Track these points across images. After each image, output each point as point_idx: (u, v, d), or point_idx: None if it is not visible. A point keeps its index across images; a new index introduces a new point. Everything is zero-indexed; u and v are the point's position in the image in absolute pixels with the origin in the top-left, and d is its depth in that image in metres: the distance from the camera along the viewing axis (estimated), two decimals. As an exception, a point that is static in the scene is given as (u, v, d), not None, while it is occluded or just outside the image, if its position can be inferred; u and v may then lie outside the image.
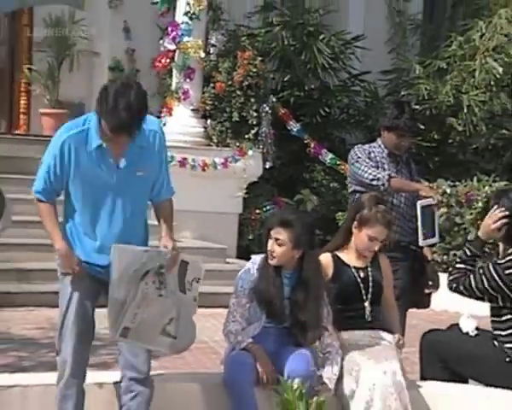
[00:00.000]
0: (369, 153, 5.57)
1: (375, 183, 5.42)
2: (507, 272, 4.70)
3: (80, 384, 4.08)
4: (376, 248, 4.75)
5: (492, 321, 4.87)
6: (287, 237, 4.42)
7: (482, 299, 4.81)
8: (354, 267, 4.78)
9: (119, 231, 4.10)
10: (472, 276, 4.76)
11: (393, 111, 5.62)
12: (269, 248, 4.48)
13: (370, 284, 4.76)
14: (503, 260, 4.76)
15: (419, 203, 5.30)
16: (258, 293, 4.47)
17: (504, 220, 4.79)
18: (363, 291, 4.76)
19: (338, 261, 4.79)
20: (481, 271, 4.75)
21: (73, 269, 4.07)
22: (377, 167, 5.51)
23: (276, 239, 4.44)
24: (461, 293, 4.83)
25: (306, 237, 4.47)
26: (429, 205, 5.34)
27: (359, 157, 5.55)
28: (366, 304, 4.74)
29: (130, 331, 4.04)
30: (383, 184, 5.40)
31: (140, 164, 4.07)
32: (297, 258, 4.49)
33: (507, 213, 4.81)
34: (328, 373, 4.45)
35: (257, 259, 4.58)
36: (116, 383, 4.23)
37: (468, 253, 4.86)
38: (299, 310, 4.46)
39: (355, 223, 4.76)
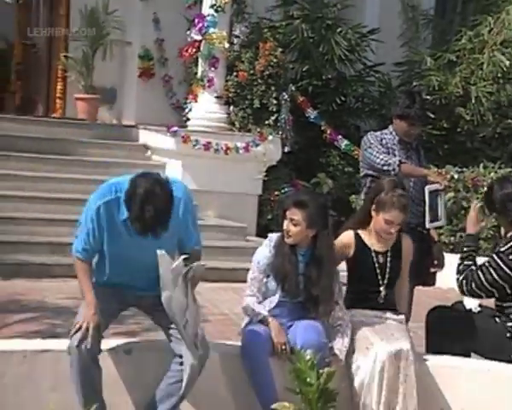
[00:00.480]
0: (381, 139, 5.55)
1: (386, 168, 5.40)
2: (511, 257, 4.67)
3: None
4: (393, 231, 4.68)
5: (496, 305, 4.84)
6: (301, 218, 4.41)
7: (493, 294, 4.76)
8: (374, 251, 4.72)
9: (144, 285, 4.21)
10: (480, 272, 4.70)
11: (405, 101, 5.58)
12: (284, 227, 4.47)
13: (387, 269, 4.72)
14: (504, 248, 4.72)
15: (427, 188, 5.28)
16: (274, 269, 4.46)
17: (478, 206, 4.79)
18: (380, 277, 4.72)
19: (359, 242, 4.73)
20: (487, 264, 4.71)
21: (88, 321, 4.05)
22: (388, 153, 5.49)
23: (292, 219, 4.43)
24: (474, 293, 4.76)
25: (320, 218, 4.45)
26: (437, 190, 5.31)
27: (372, 143, 5.53)
28: (381, 288, 4.71)
29: (188, 325, 4.05)
30: (394, 169, 5.37)
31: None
32: (311, 237, 4.48)
33: (480, 204, 4.79)
34: (339, 345, 4.45)
35: (273, 237, 4.57)
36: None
37: (466, 249, 4.83)
38: (313, 285, 4.46)
39: (373, 206, 4.69)
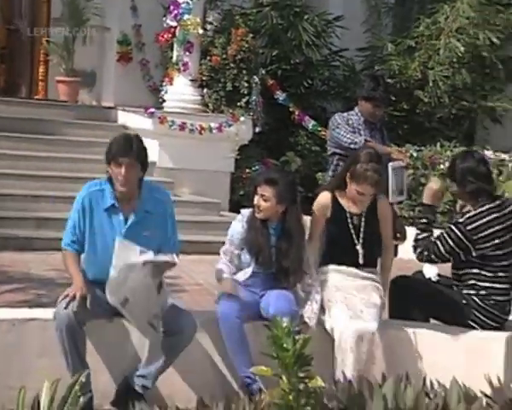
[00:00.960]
0: (348, 120, 5.56)
1: (352, 146, 5.41)
2: (468, 227, 4.69)
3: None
4: (364, 200, 4.64)
5: (454, 273, 4.88)
6: (271, 194, 4.40)
7: (449, 260, 4.79)
8: (349, 213, 4.68)
9: None
10: (438, 242, 4.72)
11: (370, 84, 5.59)
12: (255, 202, 4.46)
13: (362, 229, 4.69)
14: (462, 219, 4.74)
15: (390, 165, 5.29)
16: (248, 243, 4.46)
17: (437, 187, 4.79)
18: (355, 236, 4.70)
19: (336, 204, 4.69)
20: (446, 234, 4.73)
21: (75, 290, 4.05)
22: (354, 133, 5.50)
23: (262, 195, 4.42)
24: (431, 261, 4.79)
25: (289, 194, 4.45)
26: (399, 167, 5.33)
27: (339, 123, 5.54)
28: (358, 247, 4.67)
29: (129, 304, 4.01)
30: (360, 147, 5.38)
31: (146, 226, 4.15)
32: (280, 212, 4.47)
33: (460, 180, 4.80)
34: (308, 312, 4.45)
35: (245, 212, 4.56)
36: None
37: (425, 220, 4.84)
38: (283, 257, 4.46)
39: (348, 174, 4.65)
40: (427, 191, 4.87)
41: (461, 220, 4.73)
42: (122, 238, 4.09)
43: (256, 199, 4.45)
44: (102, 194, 4.21)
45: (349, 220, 4.67)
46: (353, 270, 4.65)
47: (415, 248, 4.79)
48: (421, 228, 4.83)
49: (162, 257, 4.08)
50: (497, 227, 4.70)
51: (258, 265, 4.47)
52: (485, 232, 4.68)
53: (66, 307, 3.98)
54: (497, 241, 4.69)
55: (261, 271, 4.50)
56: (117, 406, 4.15)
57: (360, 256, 4.67)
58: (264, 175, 4.57)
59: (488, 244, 4.68)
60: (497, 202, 4.77)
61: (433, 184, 4.92)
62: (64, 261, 4.26)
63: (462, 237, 4.67)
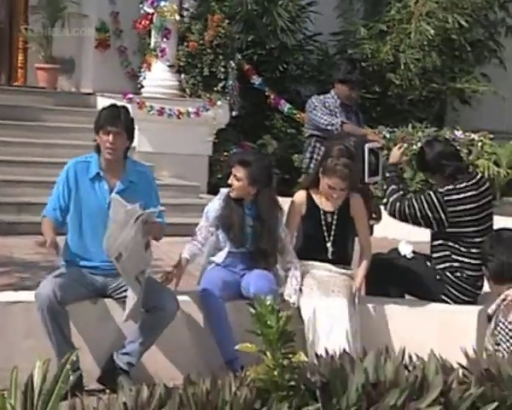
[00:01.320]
0: (324, 102, 5.56)
1: (329, 127, 5.41)
2: (445, 198, 4.73)
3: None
4: (335, 196, 4.67)
5: (431, 245, 4.91)
6: (243, 175, 4.40)
7: (420, 224, 4.82)
8: (323, 211, 4.69)
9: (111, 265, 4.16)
10: (415, 202, 4.75)
11: (346, 67, 5.59)
12: (229, 181, 4.47)
13: (333, 226, 4.69)
14: (442, 189, 4.78)
15: (366, 146, 5.30)
16: (221, 219, 4.45)
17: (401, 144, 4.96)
18: (326, 234, 4.70)
19: (310, 201, 4.71)
20: (423, 197, 4.76)
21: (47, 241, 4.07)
22: (331, 115, 5.50)
23: (235, 175, 4.43)
24: (403, 217, 4.80)
25: (262, 177, 4.43)
26: (375, 148, 5.34)
27: (316, 105, 5.54)
28: (328, 245, 4.69)
29: (122, 258, 4.01)
30: (337, 129, 5.39)
31: (130, 195, 4.15)
32: (253, 193, 4.46)
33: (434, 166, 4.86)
34: (289, 289, 4.46)
35: (224, 191, 4.56)
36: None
37: (388, 175, 4.95)
38: (258, 239, 4.46)
39: (320, 169, 4.67)
40: (391, 153, 5.08)
41: (440, 190, 4.77)
42: (107, 207, 4.12)
43: (231, 179, 4.46)
44: (88, 165, 4.29)
45: (322, 217, 4.68)
46: (327, 265, 4.67)
47: (386, 202, 4.85)
48: (387, 182, 4.92)
49: (150, 210, 4.11)
50: (472, 205, 4.73)
51: (231, 242, 4.47)
52: (461, 207, 4.72)
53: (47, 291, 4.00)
54: (471, 218, 4.73)
55: (237, 250, 4.49)
56: (103, 383, 4.15)
57: (329, 253, 4.68)
58: (239, 156, 4.59)
59: (461, 219, 4.72)
60: (474, 181, 4.81)
61: (396, 148, 5.10)
62: (42, 228, 4.24)
63: (437, 205, 4.71)
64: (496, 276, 4.17)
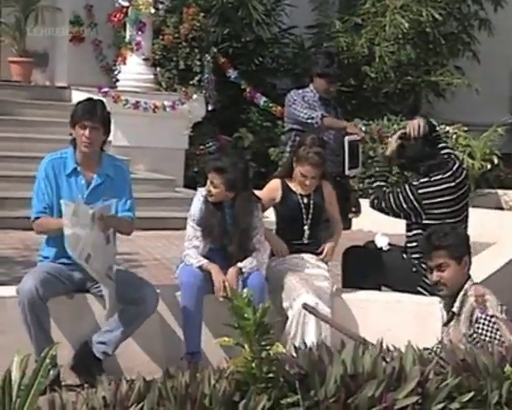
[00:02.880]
0: (303, 96, 5.57)
1: (310, 121, 5.43)
2: (420, 191, 4.79)
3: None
4: (308, 183, 4.73)
5: (406, 236, 4.96)
6: (220, 181, 4.39)
7: (399, 216, 4.87)
8: (300, 194, 4.78)
9: None
10: (391, 195, 4.83)
11: (324, 61, 5.61)
12: (206, 188, 4.46)
13: (311, 208, 4.77)
14: (416, 182, 4.84)
15: (346, 138, 5.32)
16: (201, 223, 4.45)
17: (400, 133, 4.89)
18: (304, 216, 4.77)
19: (286, 187, 4.80)
20: (398, 190, 4.83)
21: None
22: (310, 109, 5.51)
23: (212, 182, 4.42)
24: (382, 210, 4.90)
25: (239, 182, 4.43)
26: (355, 140, 5.36)
27: (295, 99, 5.55)
28: (305, 227, 4.76)
29: (91, 259, 4.02)
30: (317, 122, 5.41)
31: (106, 190, 4.21)
32: (232, 197, 4.47)
33: (404, 130, 4.90)
34: (246, 261, 4.47)
35: (202, 191, 4.55)
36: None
37: (378, 168, 4.95)
38: (237, 234, 4.47)
39: (294, 158, 4.75)
40: (389, 144, 5.02)
41: (415, 183, 4.84)
42: (81, 200, 4.14)
43: (208, 185, 4.45)
44: (64, 161, 4.27)
45: (300, 201, 4.76)
46: (304, 256, 4.72)
47: (370, 194, 4.93)
48: (375, 176, 4.94)
49: (101, 205, 4.13)
50: (447, 197, 4.78)
51: (213, 244, 4.50)
52: (435, 200, 4.76)
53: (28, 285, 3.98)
54: (446, 210, 4.77)
55: (217, 247, 4.52)
56: (75, 370, 4.12)
57: (306, 235, 4.75)
58: (214, 163, 4.50)
59: (437, 211, 4.76)
60: (450, 172, 4.85)
61: (394, 140, 5.01)
62: (42, 228, 4.24)
63: (412, 198, 4.77)
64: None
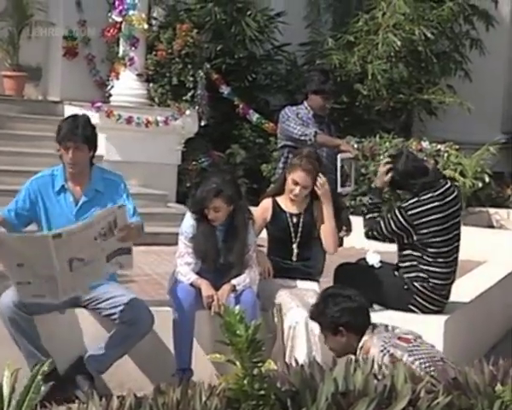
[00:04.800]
0: (297, 113, 5.60)
1: (303, 138, 5.45)
2: (409, 213, 4.79)
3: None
4: (298, 192, 4.72)
5: (398, 255, 4.96)
6: (221, 203, 4.38)
7: (393, 241, 4.88)
8: (289, 213, 4.79)
9: None
10: (382, 222, 4.82)
11: (320, 77, 5.64)
12: (210, 217, 4.39)
13: (300, 228, 4.77)
14: (405, 204, 4.85)
15: (339, 156, 5.34)
16: (194, 246, 4.45)
17: (388, 166, 4.87)
18: (293, 234, 4.77)
19: (276, 207, 4.81)
20: (389, 215, 4.83)
21: None
22: (304, 126, 5.54)
23: (215, 208, 4.39)
24: (376, 239, 4.89)
25: (234, 193, 4.45)
26: (348, 158, 5.38)
27: (289, 116, 5.58)
28: (294, 246, 4.78)
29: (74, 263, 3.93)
30: (310, 139, 5.43)
31: (96, 204, 4.18)
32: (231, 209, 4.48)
33: (389, 160, 4.90)
34: (240, 278, 4.47)
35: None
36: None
37: (370, 201, 4.93)
38: (228, 252, 4.47)
39: (287, 169, 4.79)
40: (378, 175, 5.00)
41: (403, 205, 4.84)
42: (74, 219, 4.12)
43: (210, 214, 4.40)
44: (53, 178, 4.28)
45: (289, 220, 4.77)
46: (293, 282, 4.74)
47: (364, 226, 4.92)
48: (369, 209, 4.92)
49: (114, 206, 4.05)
50: (437, 215, 4.79)
51: (205, 265, 4.50)
52: (426, 219, 4.77)
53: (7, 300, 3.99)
54: (436, 228, 4.79)
55: (210, 267, 4.52)
56: (65, 383, 4.10)
57: (294, 255, 4.77)
58: (210, 190, 4.40)
59: (427, 230, 4.78)
60: (440, 191, 4.86)
61: (382, 166, 5.00)
62: None
63: (402, 220, 4.77)
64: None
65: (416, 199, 4.81)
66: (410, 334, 3.91)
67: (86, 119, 4.31)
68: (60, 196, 4.25)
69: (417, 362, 3.55)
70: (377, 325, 3.92)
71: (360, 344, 3.78)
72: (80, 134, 4.17)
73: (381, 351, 3.67)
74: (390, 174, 4.88)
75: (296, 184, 4.70)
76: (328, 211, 4.81)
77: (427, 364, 3.58)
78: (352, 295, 3.93)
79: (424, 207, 4.78)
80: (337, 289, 4.11)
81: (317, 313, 3.91)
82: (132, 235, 4.04)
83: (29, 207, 4.24)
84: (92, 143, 4.25)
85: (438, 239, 4.79)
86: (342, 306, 3.86)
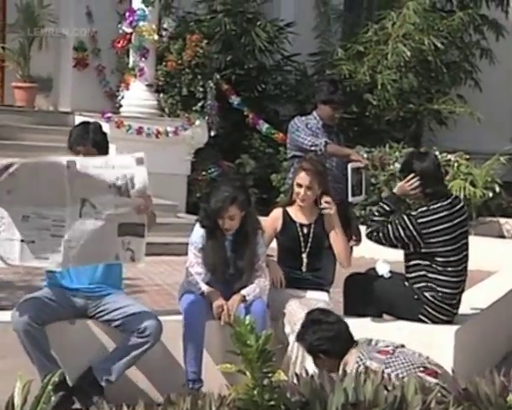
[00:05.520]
0: (307, 123, 5.60)
1: (313, 148, 5.46)
2: (419, 221, 4.78)
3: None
4: (302, 192, 4.73)
5: (406, 266, 4.95)
6: (235, 210, 4.39)
7: (396, 246, 4.86)
8: (300, 224, 4.80)
9: (91, 271, 4.18)
10: (390, 226, 4.81)
11: (329, 87, 5.65)
12: (226, 226, 4.39)
13: (310, 239, 4.78)
14: (415, 212, 4.83)
15: (349, 165, 5.34)
16: (203, 258, 4.45)
17: (417, 184, 4.85)
18: (303, 244, 4.78)
19: (286, 217, 4.82)
20: (397, 221, 4.81)
21: None
22: (313, 136, 5.54)
23: (230, 217, 4.40)
24: (379, 241, 4.87)
25: (245, 199, 4.46)
26: (358, 167, 5.38)
27: (299, 126, 5.58)
28: (304, 256, 4.78)
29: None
30: (320, 149, 5.44)
31: None
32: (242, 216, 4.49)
33: (418, 180, 4.85)
34: (250, 288, 4.48)
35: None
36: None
37: (387, 208, 4.91)
38: (239, 258, 4.47)
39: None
40: (400, 184, 4.96)
41: (413, 213, 4.82)
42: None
43: (226, 223, 4.40)
44: None
45: (299, 230, 4.79)
46: (303, 292, 4.75)
47: (368, 226, 4.87)
48: (380, 211, 4.90)
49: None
50: (446, 224, 4.78)
51: (214, 277, 4.51)
52: (435, 228, 4.76)
53: (21, 312, 3.99)
54: (445, 237, 4.78)
55: (219, 278, 4.53)
56: (76, 395, 4.11)
57: (304, 264, 4.78)
58: (225, 200, 4.38)
59: (436, 239, 4.76)
60: (449, 200, 4.86)
61: (408, 181, 4.92)
62: None
63: (411, 228, 4.76)
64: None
65: (425, 208, 4.80)
66: (391, 345, 4.03)
67: (97, 125, 4.34)
68: None
69: (393, 374, 3.61)
70: (360, 341, 4.08)
71: (343, 361, 3.93)
72: (90, 139, 4.20)
73: (357, 362, 3.81)
74: (416, 190, 4.85)
75: (300, 186, 4.74)
76: (337, 227, 4.83)
77: (404, 373, 3.69)
78: (333, 321, 4.06)
79: (434, 217, 4.77)
80: (319, 314, 4.20)
81: (299, 337, 4.09)
82: (148, 207, 3.91)
83: None
84: (103, 149, 4.25)
85: (447, 249, 4.78)
86: (319, 335, 4.01)
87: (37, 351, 3.99)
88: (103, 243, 3.80)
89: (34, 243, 3.71)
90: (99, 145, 4.22)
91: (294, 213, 4.84)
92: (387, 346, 4.00)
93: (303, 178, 4.74)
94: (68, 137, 4.31)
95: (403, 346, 4.07)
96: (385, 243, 4.85)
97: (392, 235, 4.78)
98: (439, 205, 4.80)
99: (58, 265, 3.78)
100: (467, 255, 4.89)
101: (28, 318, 3.96)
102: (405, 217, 4.80)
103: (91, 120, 9.58)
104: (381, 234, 4.82)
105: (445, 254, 4.78)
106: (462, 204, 4.94)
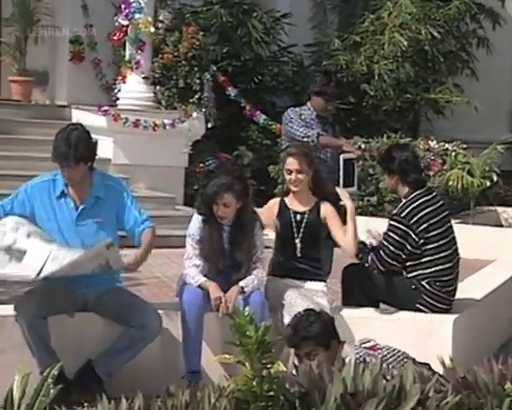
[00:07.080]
0: (300, 115, 5.61)
1: (306, 139, 5.47)
2: (402, 214, 4.84)
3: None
4: (293, 178, 4.75)
5: (403, 268, 4.96)
6: (230, 198, 4.40)
7: (400, 256, 4.83)
8: (293, 211, 4.84)
9: (87, 279, 4.19)
10: (385, 242, 4.83)
11: (323, 79, 5.66)
12: (219, 214, 4.42)
13: (303, 225, 4.80)
14: (396, 210, 4.91)
15: (342, 156, 5.36)
16: (200, 249, 4.45)
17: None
18: (295, 230, 4.81)
19: (282, 205, 4.87)
20: (388, 232, 4.86)
21: None
22: (307, 127, 5.55)
23: (224, 204, 4.41)
24: (392, 265, 4.85)
25: (243, 189, 4.48)
26: (350, 159, 5.39)
27: (292, 118, 5.59)
28: (297, 241, 4.79)
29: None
30: (313, 141, 5.45)
31: (98, 212, 4.19)
32: (239, 207, 4.49)
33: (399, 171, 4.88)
34: (248, 280, 4.49)
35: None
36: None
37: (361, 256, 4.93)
38: (237, 251, 4.47)
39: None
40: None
41: (395, 212, 4.92)
42: (74, 224, 4.16)
43: (219, 210, 4.41)
44: (55, 183, 4.26)
45: (292, 216, 4.82)
46: (301, 283, 4.75)
47: (375, 268, 4.89)
48: (361, 258, 4.95)
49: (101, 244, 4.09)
50: (429, 209, 4.88)
51: (211, 266, 4.51)
52: (419, 214, 4.84)
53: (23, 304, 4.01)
54: (431, 221, 4.85)
55: (215, 269, 4.53)
56: (75, 388, 4.11)
57: (298, 249, 4.79)
58: (221, 185, 4.42)
59: (425, 225, 4.82)
60: (424, 188, 4.96)
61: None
62: None
63: (400, 225, 4.81)
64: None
65: (404, 200, 4.89)
66: (372, 341, 4.06)
67: (79, 135, 4.15)
68: (60, 200, 4.24)
69: (391, 366, 3.68)
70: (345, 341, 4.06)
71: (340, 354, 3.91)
72: (72, 156, 4.08)
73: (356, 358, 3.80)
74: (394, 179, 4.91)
75: (290, 172, 4.77)
76: (351, 219, 4.84)
77: (394, 363, 3.79)
78: (311, 323, 3.95)
79: (415, 204, 4.86)
80: (302, 315, 4.05)
81: (311, 328, 3.97)
82: (138, 265, 4.22)
83: (22, 212, 4.25)
84: (87, 158, 4.18)
85: (434, 233, 4.84)
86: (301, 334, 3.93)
87: (38, 344, 4.00)
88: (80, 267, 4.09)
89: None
90: (83, 158, 4.15)
91: (290, 201, 4.90)
92: (369, 341, 4.02)
93: (291, 162, 4.78)
94: (52, 149, 4.20)
95: (374, 340, 4.08)
96: (391, 261, 4.83)
97: (392, 248, 4.79)
98: (416, 193, 4.90)
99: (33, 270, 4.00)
100: (454, 238, 4.95)
101: (32, 311, 3.98)
102: (391, 221, 4.88)
103: (88, 114, 9.65)
104: (385, 257, 4.82)
105: (434, 239, 4.83)
106: (442, 202, 5.01)
